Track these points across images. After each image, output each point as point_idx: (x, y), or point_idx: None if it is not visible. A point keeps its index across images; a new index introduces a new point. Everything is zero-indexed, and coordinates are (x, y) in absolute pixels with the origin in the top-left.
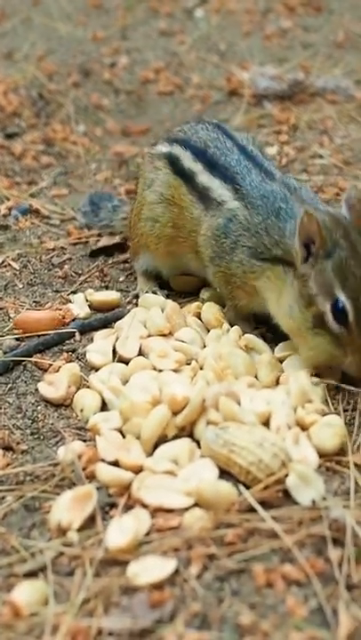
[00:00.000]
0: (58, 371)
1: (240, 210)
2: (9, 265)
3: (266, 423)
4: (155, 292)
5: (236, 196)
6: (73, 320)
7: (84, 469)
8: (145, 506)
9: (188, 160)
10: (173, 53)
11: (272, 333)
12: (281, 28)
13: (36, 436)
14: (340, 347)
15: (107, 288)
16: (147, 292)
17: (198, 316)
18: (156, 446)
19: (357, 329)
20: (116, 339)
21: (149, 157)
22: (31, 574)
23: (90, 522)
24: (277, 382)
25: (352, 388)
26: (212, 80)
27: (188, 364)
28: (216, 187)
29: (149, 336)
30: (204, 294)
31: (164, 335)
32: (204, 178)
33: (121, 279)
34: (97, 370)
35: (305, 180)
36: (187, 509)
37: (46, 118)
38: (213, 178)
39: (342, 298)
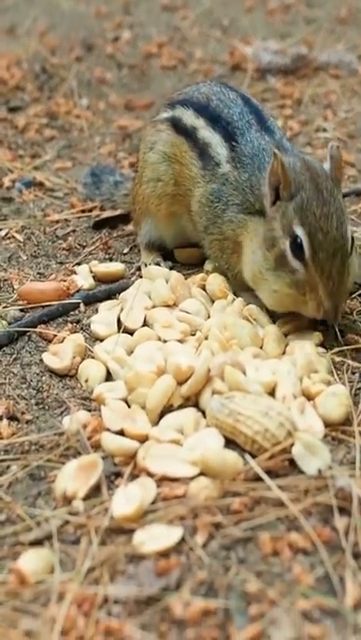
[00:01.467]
0: (62, 341)
1: (231, 172)
2: (13, 237)
3: (271, 393)
4: (158, 264)
5: (229, 156)
6: (77, 291)
7: (89, 439)
8: (151, 475)
9: (189, 117)
10: (176, 28)
11: None
12: (284, 4)
13: (40, 406)
14: (299, 287)
15: (111, 260)
16: (150, 263)
17: (203, 287)
18: (161, 416)
19: (313, 265)
20: (121, 310)
21: (151, 124)
22: (37, 543)
23: (95, 491)
24: (283, 354)
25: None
26: (215, 55)
27: (193, 334)
28: (215, 143)
29: (154, 307)
30: (208, 266)
31: (168, 306)
32: (206, 133)
33: (125, 251)
34: (101, 341)
35: (309, 154)
36: (192, 478)
37: (49, 92)
38: (214, 133)
39: (300, 233)
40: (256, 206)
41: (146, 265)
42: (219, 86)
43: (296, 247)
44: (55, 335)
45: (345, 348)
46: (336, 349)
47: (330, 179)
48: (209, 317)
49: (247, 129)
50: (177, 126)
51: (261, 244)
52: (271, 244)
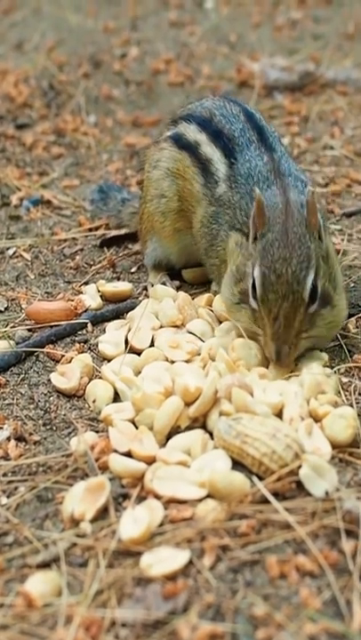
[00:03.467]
0: (70, 361)
1: (225, 193)
2: (20, 255)
3: (279, 414)
4: (164, 284)
5: (227, 175)
6: (85, 311)
7: (96, 460)
8: (158, 497)
9: (192, 132)
10: (184, 44)
11: None
12: (291, 20)
13: (48, 427)
14: (256, 324)
15: (118, 279)
16: (157, 283)
17: (210, 307)
18: (168, 437)
19: (263, 305)
20: (129, 329)
21: (155, 144)
22: (44, 565)
23: (103, 513)
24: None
25: None
26: (223, 71)
27: (200, 355)
28: (216, 160)
29: (161, 327)
30: (215, 287)
31: (176, 326)
32: (208, 149)
33: (133, 270)
34: (109, 361)
35: (316, 172)
36: (200, 500)
37: (57, 109)
38: (215, 149)
39: (255, 274)
40: (245, 230)
41: (152, 285)
42: (222, 100)
43: (253, 287)
44: (63, 355)
45: (352, 365)
46: (343, 366)
47: (304, 224)
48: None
49: (247, 146)
50: (180, 141)
51: (234, 273)
52: (240, 278)
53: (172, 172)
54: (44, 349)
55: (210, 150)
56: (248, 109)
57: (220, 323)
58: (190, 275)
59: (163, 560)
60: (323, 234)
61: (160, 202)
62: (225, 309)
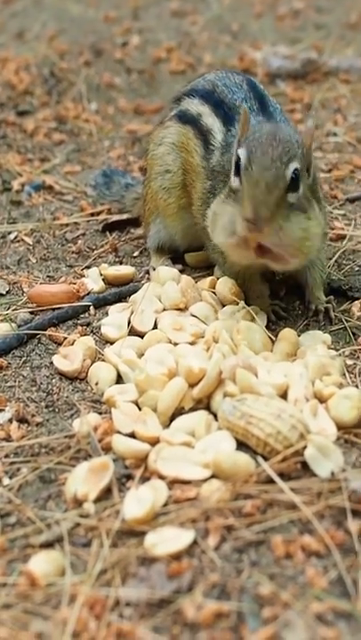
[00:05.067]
0: (72, 344)
1: (218, 161)
2: (22, 240)
3: (283, 396)
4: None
5: (222, 142)
6: (87, 294)
7: (99, 441)
8: (162, 477)
9: (195, 106)
10: (185, 33)
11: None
12: (293, 9)
13: (50, 409)
14: (236, 205)
15: (121, 263)
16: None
17: (213, 290)
18: (172, 419)
19: (245, 175)
20: (131, 312)
21: (159, 125)
22: (47, 545)
23: (106, 493)
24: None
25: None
26: (225, 59)
27: (203, 337)
28: (216, 129)
29: (164, 310)
30: (218, 272)
31: (179, 309)
32: (209, 120)
33: (135, 254)
34: (112, 343)
35: (320, 158)
36: (204, 481)
37: (58, 96)
38: (216, 119)
39: (240, 153)
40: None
41: (154, 268)
42: (225, 72)
43: (237, 167)
44: (65, 338)
45: (356, 347)
46: (348, 349)
47: (293, 137)
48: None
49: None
50: (184, 117)
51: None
52: (225, 187)
53: (177, 145)
54: (47, 332)
55: (210, 120)
56: (251, 80)
57: (224, 306)
58: (193, 258)
59: (167, 540)
60: (311, 168)
61: (165, 177)
62: (210, 225)
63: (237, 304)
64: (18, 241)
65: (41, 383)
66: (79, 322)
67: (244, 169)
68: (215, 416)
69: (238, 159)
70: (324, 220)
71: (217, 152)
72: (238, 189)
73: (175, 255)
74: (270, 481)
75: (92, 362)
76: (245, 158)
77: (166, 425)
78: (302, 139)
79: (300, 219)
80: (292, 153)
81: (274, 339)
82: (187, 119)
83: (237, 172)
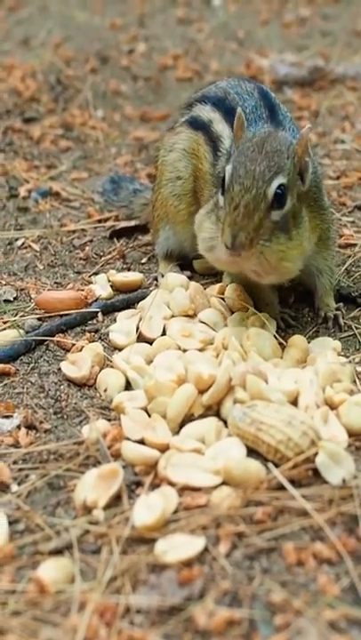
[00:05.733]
0: (81, 350)
1: (223, 166)
2: (29, 246)
3: (294, 402)
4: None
5: (228, 149)
6: (95, 300)
7: (108, 448)
8: (172, 484)
9: (207, 112)
10: (192, 41)
11: (293, 318)
12: (300, 17)
13: (59, 416)
14: (218, 223)
15: (129, 270)
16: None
17: (222, 297)
18: (181, 425)
19: (227, 195)
20: (140, 319)
21: (170, 130)
22: (56, 552)
23: (116, 500)
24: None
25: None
26: (231, 67)
27: (212, 344)
28: (225, 136)
29: (173, 316)
30: (227, 279)
31: (188, 316)
32: (219, 126)
33: (143, 261)
34: (120, 350)
35: (327, 165)
36: (214, 488)
37: (64, 103)
38: (226, 125)
39: (226, 170)
40: None
41: (163, 275)
42: (237, 80)
43: (222, 184)
44: (73, 344)
45: None
46: (358, 356)
47: (285, 146)
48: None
49: (255, 122)
50: (195, 123)
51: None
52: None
53: (188, 152)
54: (55, 338)
55: (221, 127)
56: (263, 88)
57: (233, 313)
58: (201, 265)
59: (177, 546)
60: (307, 177)
61: (175, 184)
62: (196, 229)
63: (247, 311)
64: (25, 247)
65: (49, 390)
66: (87, 328)
67: (227, 189)
68: (225, 423)
69: (224, 177)
70: (332, 226)
71: (223, 158)
72: (222, 208)
73: (183, 262)
74: (281, 488)
75: (101, 368)
76: (228, 177)
77: (176, 431)
78: (295, 146)
79: (281, 239)
80: (278, 167)
81: (285, 343)
82: (198, 125)
83: (222, 189)
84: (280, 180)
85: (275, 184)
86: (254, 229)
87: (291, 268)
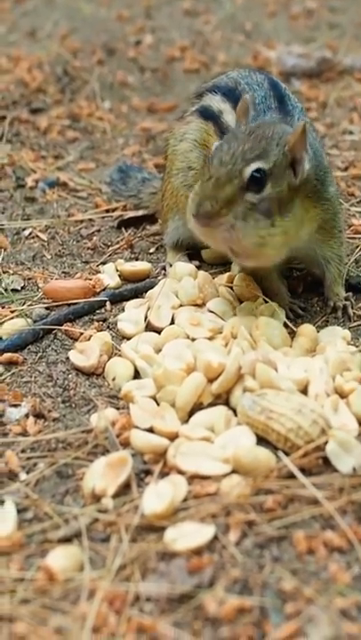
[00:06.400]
0: (89, 339)
1: None
2: (37, 236)
3: (303, 391)
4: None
5: None
6: (103, 290)
7: (117, 436)
8: (181, 472)
9: (217, 102)
10: (199, 32)
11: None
12: (307, 9)
13: (67, 404)
14: None
15: (137, 259)
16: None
17: (230, 287)
18: (190, 414)
19: (206, 166)
20: (148, 308)
21: (180, 120)
22: (65, 540)
23: (125, 488)
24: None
25: None
26: (239, 58)
27: (221, 333)
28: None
29: (181, 306)
30: (235, 269)
31: (196, 305)
32: (229, 117)
33: (151, 250)
34: (128, 339)
35: (336, 155)
36: (224, 476)
37: (71, 94)
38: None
39: (215, 143)
40: None
41: (171, 265)
42: (247, 71)
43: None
44: (81, 333)
45: None
46: None
47: (277, 135)
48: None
49: (264, 112)
50: (206, 113)
51: None
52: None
53: (200, 142)
54: (63, 327)
55: (230, 118)
56: (273, 79)
57: (241, 302)
58: (210, 254)
59: (187, 535)
60: (300, 170)
61: (187, 175)
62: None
63: (255, 300)
64: (32, 237)
65: (57, 379)
66: (95, 317)
67: (208, 162)
68: (234, 411)
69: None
70: (338, 215)
71: None
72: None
73: (192, 251)
74: (291, 476)
75: (109, 357)
76: (213, 151)
77: (185, 420)
78: (288, 137)
79: (261, 223)
80: (262, 152)
81: (295, 329)
82: (208, 115)
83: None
84: (260, 164)
85: (253, 166)
86: (222, 201)
87: (271, 253)
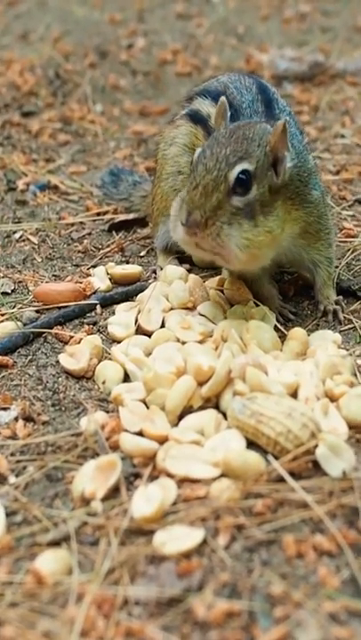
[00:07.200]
0: (79, 342)
1: None
2: (27, 239)
3: (294, 395)
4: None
5: None
6: (94, 293)
7: (107, 440)
8: (171, 476)
9: (207, 106)
10: (191, 36)
11: (293, 313)
12: (300, 13)
13: (57, 408)
14: None
15: (127, 262)
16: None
17: (220, 290)
18: (180, 417)
19: (191, 174)
20: (138, 312)
21: (170, 124)
22: (54, 543)
23: (114, 492)
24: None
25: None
26: (231, 62)
27: (211, 336)
28: None
29: (171, 309)
30: (225, 273)
31: (187, 308)
32: None
33: (142, 254)
34: (118, 342)
35: (328, 159)
36: (214, 480)
37: (63, 97)
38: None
39: (196, 152)
40: None
41: (161, 268)
42: (238, 75)
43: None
44: (71, 337)
45: None
46: (359, 349)
47: (258, 135)
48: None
49: (250, 116)
50: (195, 117)
51: None
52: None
53: (189, 147)
54: (53, 330)
55: None
56: (263, 83)
57: (232, 305)
58: (200, 258)
59: (176, 538)
60: (282, 170)
61: (177, 179)
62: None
63: (246, 303)
64: (23, 240)
65: (47, 382)
66: (86, 321)
67: (191, 170)
68: (224, 415)
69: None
70: (324, 219)
71: None
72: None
73: (183, 255)
74: (281, 480)
75: (99, 361)
76: (195, 158)
77: (175, 423)
78: (269, 136)
79: (245, 226)
80: (245, 152)
81: (286, 332)
82: (197, 119)
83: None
84: (244, 165)
85: (238, 168)
86: (211, 209)
87: (258, 255)
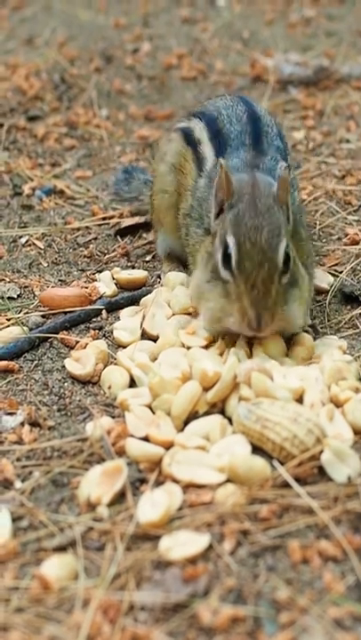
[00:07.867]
0: (85, 347)
1: (203, 188)
2: (33, 244)
3: (299, 400)
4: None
5: (209, 171)
6: (100, 298)
7: (113, 445)
8: (176, 481)
9: (199, 130)
10: (196, 40)
11: None
12: (305, 17)
13: (63, 413)
14: (228, 298)
15: (133, 267)
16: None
17: None
18: (186, 423)
19: (239, 274)
20: (144, 317)
21: (167, 133)
22: (60, 549)
23: (120, 497)
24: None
25: None
26: (236, 66)
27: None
28: (208, 158)
29: (173, 315)
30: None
31: (188, 314)
32: (206, 148)
33: (147, 259)
34: (124, 347)
35: (333, 164)
36: (219, 485)
37: (68, 102)
38: (211, 147)
39: (230, 243)
40: (208, 224)
41: (165, 274)
42: (233, 100)
43: (226, 257)
44: (77, 342)
45: None
46: None
47: (272, 197)
48: None
49: (236, 149)
50: (188, 137)
51: (203, 257)
52: (209, 257)
53: (176, 167)
54: (59, 335)
55: (207, 149)
56: (256, 112)
57: None
58: None
59: (182, 544)
60: (290, 215)
61: (163, 197)
62: (193, 298)
63: None
64: (29, 245)
65: (53, 387)
66: (91, 325)
67: (236, 266)
68: (230, 420)
69: (226, 248)
70: (311, 256)
71: (204, 179)
72: (229, 281)
73: (185, 261)
74: (286, 485)
75: (105, 366)
76: (235, 252)
77: (180, 429)
78: (278, 192)
79: (295, 294)
80: (278, 228)
81: (292, 339)
82: (189, 140)
83: (226, 263)
84: (283, 242)
85: (281, 249)
86: (274, 303)
87: (306, 308)
